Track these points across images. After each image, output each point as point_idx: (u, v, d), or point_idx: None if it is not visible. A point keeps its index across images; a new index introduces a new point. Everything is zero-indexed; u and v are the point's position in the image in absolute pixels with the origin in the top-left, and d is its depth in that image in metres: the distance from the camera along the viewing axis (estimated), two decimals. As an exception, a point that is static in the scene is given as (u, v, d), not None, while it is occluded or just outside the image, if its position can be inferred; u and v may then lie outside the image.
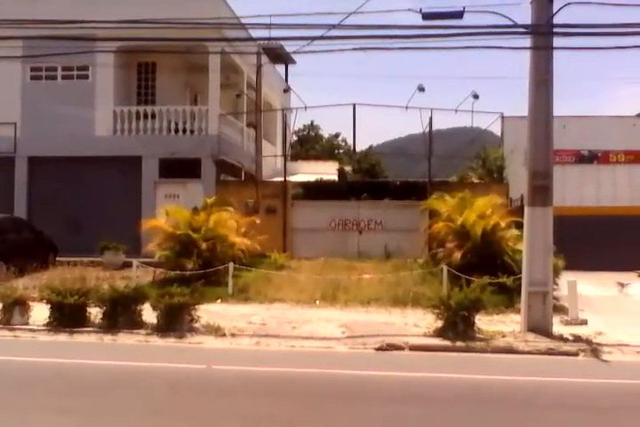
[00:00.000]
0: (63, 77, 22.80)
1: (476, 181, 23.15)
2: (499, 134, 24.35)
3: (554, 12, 11.23)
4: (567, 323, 12.08)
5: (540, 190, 11.46)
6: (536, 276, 11.29)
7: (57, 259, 19.36)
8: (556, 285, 13.96)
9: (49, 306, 11.43)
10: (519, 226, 13.35)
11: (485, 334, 10.86)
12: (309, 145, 51.43)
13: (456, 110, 23.26)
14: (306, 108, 25.49)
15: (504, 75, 49.57)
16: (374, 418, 6.77)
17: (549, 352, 10.09)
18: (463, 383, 8.31)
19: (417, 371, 8.97)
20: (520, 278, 11.86)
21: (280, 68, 33.12)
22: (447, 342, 10.45)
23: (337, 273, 16.13)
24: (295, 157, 36.40)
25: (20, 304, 11.62)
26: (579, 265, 15.71)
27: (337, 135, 54.72)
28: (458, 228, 16.38)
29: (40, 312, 11.50)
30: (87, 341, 10.72)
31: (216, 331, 11.08)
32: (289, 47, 22.06)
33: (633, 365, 9.64)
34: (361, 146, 45.62)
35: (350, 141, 48.43)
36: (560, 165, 20.86)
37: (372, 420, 6.72)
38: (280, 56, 29.26)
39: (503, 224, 16.14)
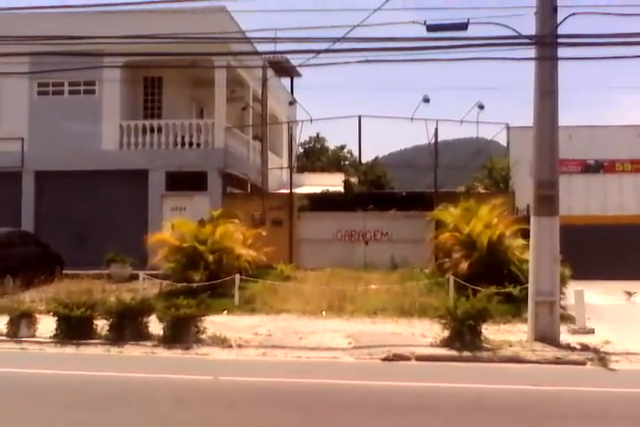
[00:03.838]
0: (70, 93, 22.99)
1: (482, 191, 23.14)
2: (504, 145, 24.35)
3: (558, 22, 11.25)
4: (574, 332, 12.02)
5: (546, 200, 11.42)
6: (543, 285, 11.25)
7: (64, 272, 19.46)
8: (563, 294, 13.86)
9: (56, 318, 11.44)
10: (526, 235, 13.30)
11: (492, 343, 10.79)
12: (315, 157, 51.53)
13: (461, 121, 23.29)
14: (311, 120, 25.56)
15: (509, 85, 49.71)
16: (380, 428, 6.74)
17: (557, 361, 10.03)
18: (470, 393, 8.27)
19: (423, 381, 8.92)
20: (527, 288, 11.82)
21: (285, 81, 33.36)
22: (454, 352, 10.40)
23: (343, 284, 16.11)
24: (301, 169, 36.50)
25: (26, 317, 11.66)
26: (585, 274, 15.60)
27: (343, 147, 54.78)
28: (464, 238, 16.34)
29: (47, 325, 11.52)
30: (94, 353, 10.72)
31: (222, 342, 11.07)
32: (294, 60, 22.28)
33: (641, 373, 9.58)
34: (367, 157, 45.48)
35: (356, 153, 48.38)
36: (566, 175, 20.91)
37: (378, 429, 6.70)
38: (285, 69, 29.43)
39: (509, 233, 16.11)
